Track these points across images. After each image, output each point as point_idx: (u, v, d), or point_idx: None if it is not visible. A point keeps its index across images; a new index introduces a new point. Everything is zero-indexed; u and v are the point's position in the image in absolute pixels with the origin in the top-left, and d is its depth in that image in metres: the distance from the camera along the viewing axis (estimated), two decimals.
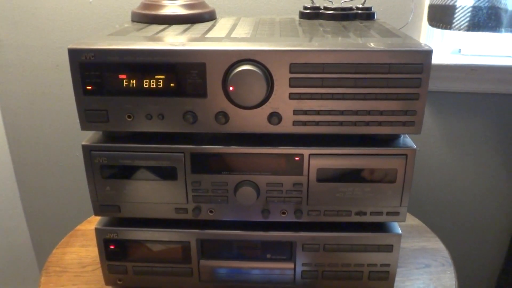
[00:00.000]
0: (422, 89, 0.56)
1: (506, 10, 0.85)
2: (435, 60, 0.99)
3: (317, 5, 0.81)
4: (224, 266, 0.68)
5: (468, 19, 0.84)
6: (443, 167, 1.13)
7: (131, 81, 0.57)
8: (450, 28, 0.86)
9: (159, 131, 0.60)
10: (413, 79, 0.56)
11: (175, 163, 0.62)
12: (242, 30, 0.68)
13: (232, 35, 0.64)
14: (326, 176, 0.62)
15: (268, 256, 0.68)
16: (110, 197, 0.64)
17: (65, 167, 1.15)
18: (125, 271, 0.69)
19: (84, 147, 0.62)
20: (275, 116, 0.58)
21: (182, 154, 0.61)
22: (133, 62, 0.56)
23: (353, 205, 0.64)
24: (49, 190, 1.19)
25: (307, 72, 0.56)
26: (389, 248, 0.66)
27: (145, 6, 0.74)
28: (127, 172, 0.63)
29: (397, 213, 0.64)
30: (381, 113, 0.58)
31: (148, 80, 0.57)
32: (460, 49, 1.05)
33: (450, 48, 1.05)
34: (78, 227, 0.91)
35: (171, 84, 0.57)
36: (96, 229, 0.67)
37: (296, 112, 0.58)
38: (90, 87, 0.57)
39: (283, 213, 0.65)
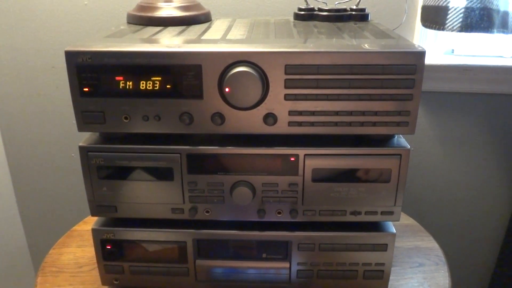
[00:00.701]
0: (416, 89, 0.57)
1: (498, 11, 0.86)
2: (429, 60, 1.00)
3: (312, 6, 0.81)
4: (220, 265, 0.69)
5: (460, 20, 0.85)
6: (437, 167, 1.13)
7: (128, 83, 0.57)
8: (443, 29, 0.87)
9: (155, 132, 0.60)
10: (407, 79, 0.56)
11: (172, 163, 0.62)
12: (238, 32, 0.68)
13: (228, 37, 0.64)
14: (321, 176, 0.63)
15: (264, 255, 0.68)
16: (107, 198, 0.65)
17: (61, 168, 1.15)
18: (121, 271, 0.69)
19: (81, 148, 0.62)
20: (271, 117, 0.58)
21: (179, 155, 0.62)
22: (130, 64, 0.56)
23: (348, 205, 0.64)
24: (45, 191, 1.19)
25: (302, 73, 0.56)
26: (383, 248, 0.67)
27: (141, 8, 0.74)
28: (123, 173, 0.63)
29: (391, 213, 0.65)
30: (375, 113, 0.58)
31: (144, 82, 0.57)
32: (453, 50, 1.06)
33: (443, 48, 1.06)
34: (75, 227, 0.91)
35: (168, 86, 0.57)
36: (93, 230, 0.67)
37: (291, 113, 0.58)
38: (87, 89, 0.57)
39: (279, 213, 0.65)
